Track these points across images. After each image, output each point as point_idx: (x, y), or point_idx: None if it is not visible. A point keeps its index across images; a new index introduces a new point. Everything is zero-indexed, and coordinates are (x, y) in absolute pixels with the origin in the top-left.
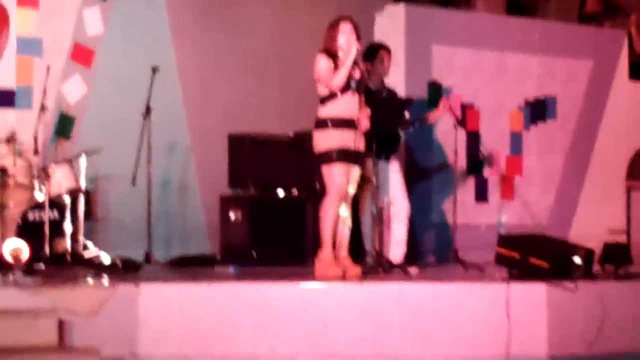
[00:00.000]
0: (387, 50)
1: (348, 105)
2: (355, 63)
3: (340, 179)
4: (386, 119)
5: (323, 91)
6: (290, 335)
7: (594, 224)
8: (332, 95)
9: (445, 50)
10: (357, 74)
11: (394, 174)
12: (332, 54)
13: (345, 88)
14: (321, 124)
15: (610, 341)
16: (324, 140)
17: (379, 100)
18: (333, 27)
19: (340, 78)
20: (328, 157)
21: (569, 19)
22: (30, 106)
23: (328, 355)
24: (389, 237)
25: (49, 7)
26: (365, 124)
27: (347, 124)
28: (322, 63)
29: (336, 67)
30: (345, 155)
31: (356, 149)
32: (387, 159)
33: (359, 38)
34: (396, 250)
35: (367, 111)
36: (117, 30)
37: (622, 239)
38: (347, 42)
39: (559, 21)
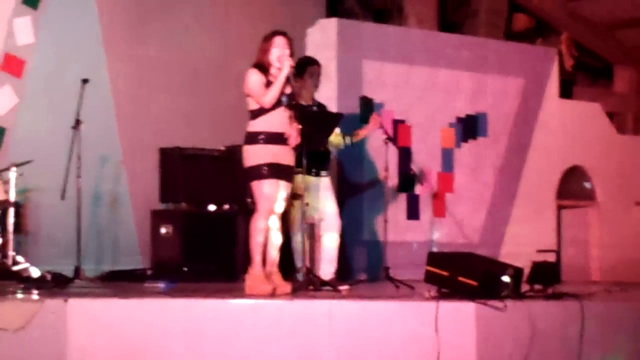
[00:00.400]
0: (318, 64)
1: (279, 120)
2: (287, 79)
3: (270, 195)
4: (316, 134)
5: (253, 106)
6: (220, 353)
7: (524, 242)
8: (262, 110)
9: (377, 65)
10: (288, 89)
11: (324, 190)
12: (264, 68)
13: (277, 103)
14: (251, 138)
15: None
16: (254, 155)
17: (309, 115)
18: (267, 39)
19: (272, 95)
20: (258, 172)
21: (498, 37)
22: None
23: None
24: (320, 254)
25: None
26: (295, 139)
27: (278, 139)
28: (254, 78)
29: (267, 81)
30: (276, 171)
31: (286, 164)
32: (318, 174)
33: (292, 53)
34: (327, 267)
35: (297, 126)
36: (49, 40)
37: (551, 257)
38: (280, 57)
39: (488, 37)
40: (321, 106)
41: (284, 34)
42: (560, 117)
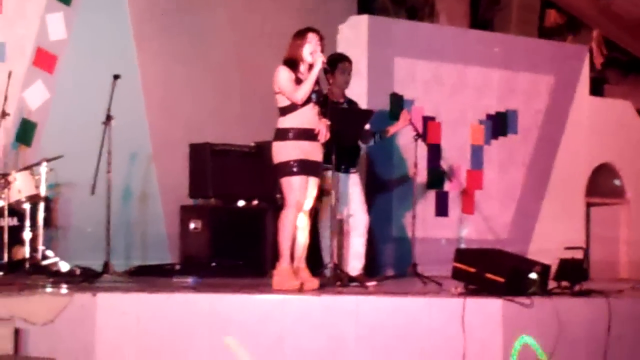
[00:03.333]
0: (348, 61)
1: (308, 116)
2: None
3: (300, 191)
4: (346, 131)
5: (283, 103)
6: (247, 348)
7: (553, 239)
8: (292, 107)
9: (407, 62)
10: (316, 87)
11: (353, 187)
12: (293, 64)
13: (306, 100)
14: (281, 135)
15: (564, 357)
16: (284, 152)
17: (340, 112)
18: (300, 35)
19: (304, 91)
20: (288, 168)
21: (529, 33)
22: None
23: None
24: (348, 250)
25: (12, 11)
26: (325, 135)
27: (308, 135)
28: (284, 75)
29: (296, 78)
30: (305, 167)
31: (315, 161)
32: (347, 171)
33: (323, 51)
34: (355, 263)
35: (326, 122)
36: (81, 36)
37: (578, 255)
38: (312, 53)
39: (520, 34)
40: (352, 103)
41: (316, 31)
42: (591, 115)
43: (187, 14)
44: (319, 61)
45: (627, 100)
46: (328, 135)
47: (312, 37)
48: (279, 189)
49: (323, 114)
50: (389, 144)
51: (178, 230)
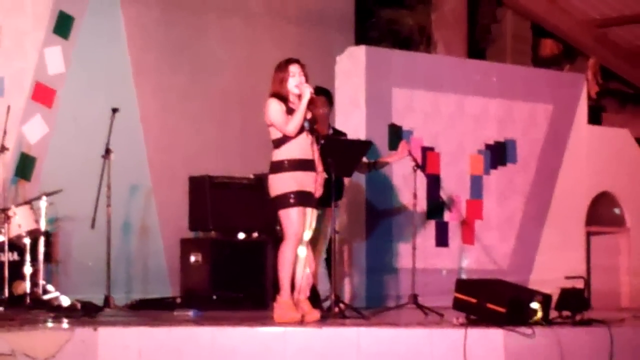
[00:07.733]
0: (324, 94)
1: (302, 146)
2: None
3: (298, 223)
4: (345, 163)
5: (276, 135)
6: None
7: (553, 269)
8: (286, 138)
9: (405, 93)
10: (308, 115)
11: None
12: (282, 97)
13: (300, 130)
14: (276, 167)
15: None
16: (280, 184)
17: (338, 144)
18: (282, 69)
19: (296, 122)
20: (285, 200)
21: (523, 63)
22: None
23: None
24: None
25: (10, 45)
26: (319, 190)
27: (304, 165)
28: (275, 107)
29: (288, 108)
30: (302, 198)
31: (312, 191)
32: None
33: (307, 79)
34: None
35: (323, 176)
36: (79, 70)
37: (579, 284)
38: (298, 85)
39: (514, 64)
40: (338, 133)
41: (297, 61)
42: (589, 143)
43: (185, 47)
44: (307, 91)
45: (625, 129)
46: (321, 192)
47: (294, 69)
48: (278, 221)
49: (318, 142)
50: (388, 174)
51: (178, 263)
